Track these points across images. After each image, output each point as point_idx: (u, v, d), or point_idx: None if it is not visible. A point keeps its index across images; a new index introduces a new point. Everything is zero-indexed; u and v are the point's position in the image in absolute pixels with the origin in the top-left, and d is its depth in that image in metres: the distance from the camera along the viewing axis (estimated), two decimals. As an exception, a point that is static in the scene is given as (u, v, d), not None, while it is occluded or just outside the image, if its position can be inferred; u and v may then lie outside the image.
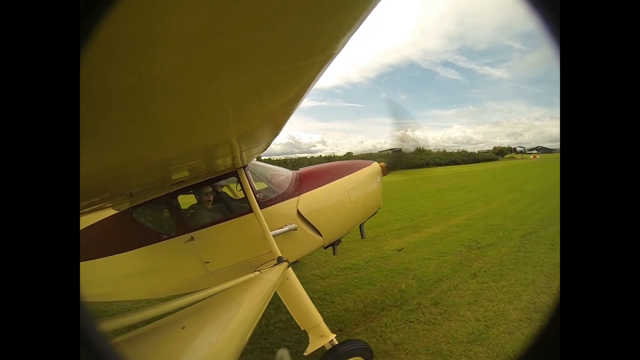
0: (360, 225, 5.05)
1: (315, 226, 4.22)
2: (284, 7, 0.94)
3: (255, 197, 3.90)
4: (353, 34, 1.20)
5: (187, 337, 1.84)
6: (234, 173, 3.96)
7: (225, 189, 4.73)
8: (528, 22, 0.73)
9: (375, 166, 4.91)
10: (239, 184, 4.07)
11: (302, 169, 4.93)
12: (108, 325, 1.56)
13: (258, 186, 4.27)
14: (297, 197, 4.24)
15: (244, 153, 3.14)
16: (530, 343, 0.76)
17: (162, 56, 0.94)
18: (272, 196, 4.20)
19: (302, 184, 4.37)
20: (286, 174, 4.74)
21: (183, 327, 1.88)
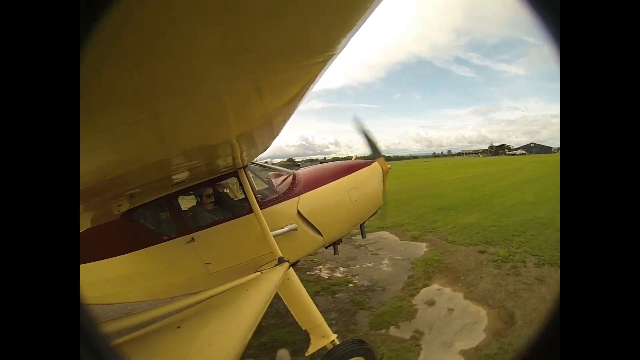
0: (360, 225, 5.05)
1: (316, 226, 4.22)
2: (284, 8, 0.95)
3: (256, 197, 3.89)
4: (354, 34, 1.20)
5: (188, 338, 1.84)
6: (234, 173, 3.96)
7: (225, 190, 4.73)
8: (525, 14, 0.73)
9: (376, 166, 4.92)
10: (239, 185, 4.07)
11: (303, 169, 4.93)
12: (109, 327, 1.57)
13: (258, 186, 4.27)
14: (298, 197, 4.23)
15: (244, 153, 3.14)
16: (530, 343, 0.76)
17: (162, 56, 0.94)
18: (273, 196, 4.20)
19: (303, 184, 4.37)
20: (286, 174, 4.74)
21: (178, 327, 1.89)
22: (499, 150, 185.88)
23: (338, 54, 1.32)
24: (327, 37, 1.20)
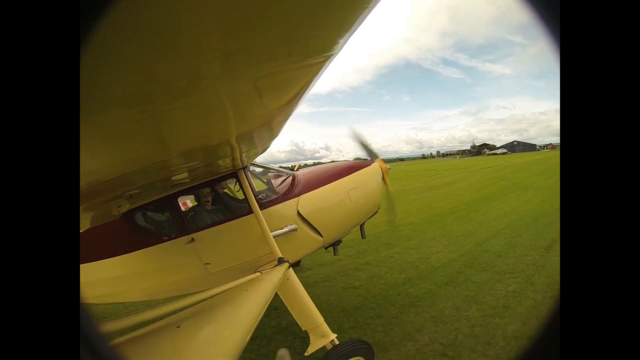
0: (360, 226, 5.05)
1: (316, 227, 4.22)
2: (283, 9, 0.95)
3: (256, 198, 3.89)
4: (352, 35, 1.20)
5: (187, 338, 1.84)
6: (234, 174, 3.96)
7: (225, 190, 4.73)
8: (523, 13, 0.73)
9: (376, 166, 4.92)
10: (238, 185, 4.07)
11: (303, 170, 4.94)
12: (109, 326, 1.56)
13: (258, 187, 4.27)
14: (298, 197, 4.23)
15: (243, 154, 3.14)
16: (531, 343, 0.76)
17: (162, 56, 0.94)
18: (273, 197, 4.20)
19: (303, 185, 4.37)
20: (286, 174, 4.74)
21: (178, 327, 1.88)
22: (481, 149, 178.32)
23: (336, 55, 1.32)
24: (326, 38, 1.20)
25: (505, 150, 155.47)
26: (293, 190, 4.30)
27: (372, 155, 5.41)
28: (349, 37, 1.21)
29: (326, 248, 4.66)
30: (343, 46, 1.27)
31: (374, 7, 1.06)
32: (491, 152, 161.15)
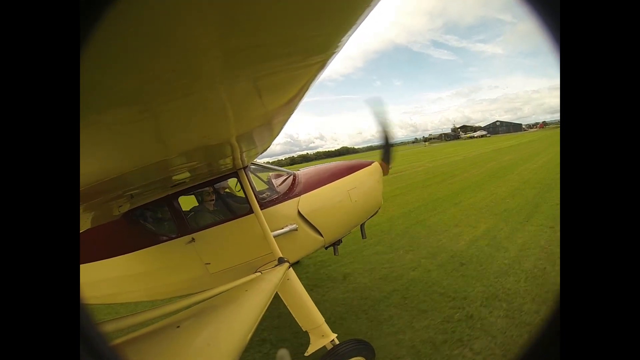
0: (361, 225, 5.05)
1: (316, 226, 4.22)
2: (284, 8, 0.94)
3: (256, 197, 3.90)
4: (353, 32, 1.19)
5: (187, 338, 1.84)
6: (234, 174, 3.96)
7: (226, 190, 4.73)
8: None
9: (376, 166, 4.92)
10: (239, 185, 4.07)
11: (303, 169, 4.94)
12: (109, 327, 1.57)
13: (258, 186, 4.27)
14: (298, 197, 4.24)
15: (244, 154, 3.14)
16: (530, 343, 0.76)
17: (162, 56, 0.94)
18: (273, 197, 4.21)
19: (303, 185, 4.38)
20: (287, 174, 4.75)
21: (178, 327, 1.89)
22: (458, 133, 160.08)
23: (337, 53, 1.32)
24: (327, 37, 1.19)
25: (484, 133, 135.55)
26: (293, 190, 4.31)
27: (387, 155, 5.09)
28: (352, 35, 1.21)
29: (326, 248, 4.66)
30: (344, 44, 1.27)
31: (375, 5, 1.06)
32: (468, 135, 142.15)
